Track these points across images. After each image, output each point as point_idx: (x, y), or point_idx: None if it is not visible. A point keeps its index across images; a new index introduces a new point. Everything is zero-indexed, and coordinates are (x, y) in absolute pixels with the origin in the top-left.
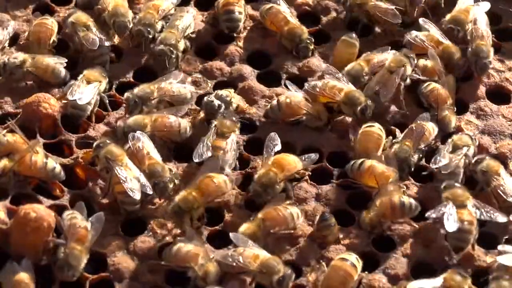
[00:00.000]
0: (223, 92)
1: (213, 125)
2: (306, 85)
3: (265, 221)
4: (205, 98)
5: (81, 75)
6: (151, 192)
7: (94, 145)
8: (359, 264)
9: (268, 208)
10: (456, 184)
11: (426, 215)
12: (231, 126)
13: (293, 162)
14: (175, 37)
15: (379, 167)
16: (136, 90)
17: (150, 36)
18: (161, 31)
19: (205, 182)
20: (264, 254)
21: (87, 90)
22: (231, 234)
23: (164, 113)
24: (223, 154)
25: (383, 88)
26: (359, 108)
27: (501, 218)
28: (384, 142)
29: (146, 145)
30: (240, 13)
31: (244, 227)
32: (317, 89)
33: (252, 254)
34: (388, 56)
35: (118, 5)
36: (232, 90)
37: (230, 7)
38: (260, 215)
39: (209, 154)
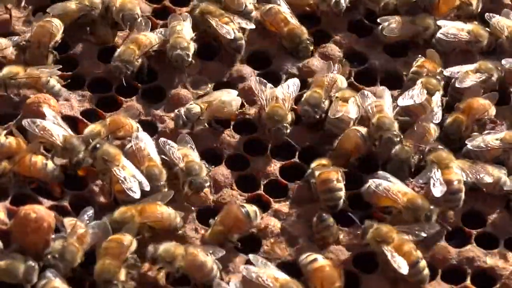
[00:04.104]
0: (192, 107)
1: (419, 81)
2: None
3: None
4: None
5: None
6: (148, 189)
7: (90, 146)
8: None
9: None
10: (440, 147)
11: (414, 181)
12: (436, 85)
13: (154, 214)
14: (186, 41)
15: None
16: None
17: (128, 73)
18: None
19: (111, 246)
20: (284, 277)
21: None
22: (250, 256)
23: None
24: (431, 110)
25: None
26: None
27: (487, 178)
28: None
29: (147, 146)
30: (239, 30)
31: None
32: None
33: (272, 275)
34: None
35: (125, 1)
36: (203, 106)
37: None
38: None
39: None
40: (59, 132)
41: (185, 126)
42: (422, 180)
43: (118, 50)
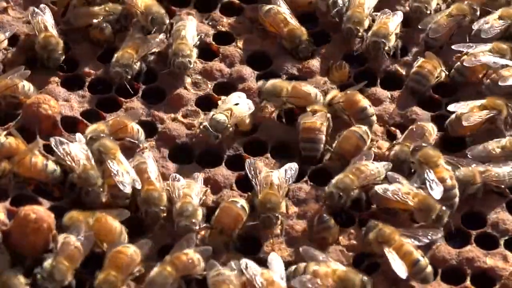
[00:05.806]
0: (219, 117)
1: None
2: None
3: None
4: (205, 121)
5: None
6: (140, 187)
7: (88, 137)
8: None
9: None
10: (424, 144)
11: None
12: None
13: (104, 231)
14: (188, 48)
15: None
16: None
17: (129, 77)
18: (138, 70)
19: (118, 257)
20: (283, 285)
21: None
22: (268, 257)
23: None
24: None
25: None
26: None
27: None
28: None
29: (149, 167)
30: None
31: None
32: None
33: (275, 282)
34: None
35: (150, 4)
36: (227, 114)
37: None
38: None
39: None
40: (81, 160)
41: (217, 139)
42: (417, 184)
43: (116, 55)
